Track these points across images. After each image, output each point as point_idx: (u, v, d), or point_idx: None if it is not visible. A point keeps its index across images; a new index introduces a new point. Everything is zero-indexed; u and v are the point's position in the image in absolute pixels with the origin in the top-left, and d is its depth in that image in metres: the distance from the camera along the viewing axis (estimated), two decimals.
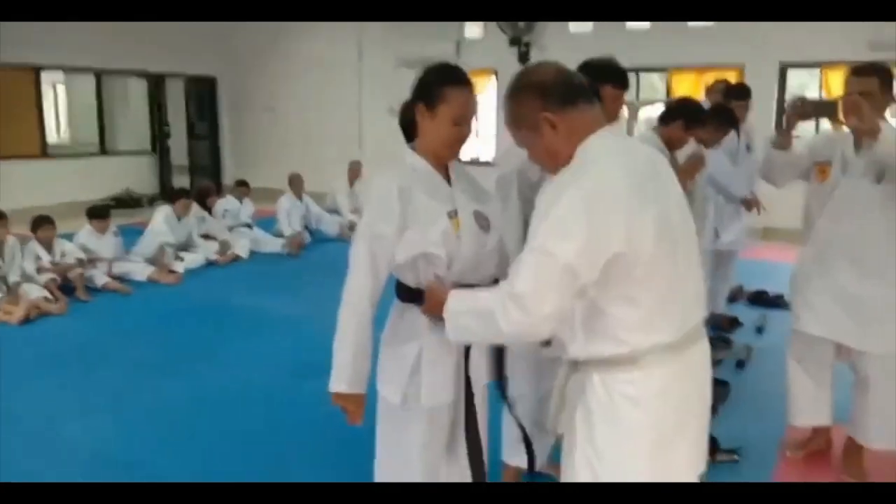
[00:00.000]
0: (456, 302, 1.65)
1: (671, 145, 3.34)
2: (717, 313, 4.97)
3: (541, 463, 2.60)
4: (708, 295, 4.83)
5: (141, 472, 3.06)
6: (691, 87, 8.57)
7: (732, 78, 7.53)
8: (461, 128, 1.83)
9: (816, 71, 8.26)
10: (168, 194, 10.28)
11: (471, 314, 1.61)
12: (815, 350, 3.01)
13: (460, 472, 1.98)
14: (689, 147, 3.55)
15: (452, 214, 1.83)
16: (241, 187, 8.34)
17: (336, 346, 1.84)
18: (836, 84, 8.00)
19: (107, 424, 3.55)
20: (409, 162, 1.88)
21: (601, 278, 1.45)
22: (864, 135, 2.62)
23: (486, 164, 10.24)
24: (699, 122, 3.44)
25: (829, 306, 2.86)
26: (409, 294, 1.87)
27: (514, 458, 2.60)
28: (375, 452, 2.01)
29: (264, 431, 3.47)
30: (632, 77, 8.51)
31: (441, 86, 1.81)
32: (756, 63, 8.17)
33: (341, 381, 1.83)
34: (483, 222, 1.88)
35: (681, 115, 3.33)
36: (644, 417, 1.52)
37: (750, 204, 4.68)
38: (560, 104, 1.53)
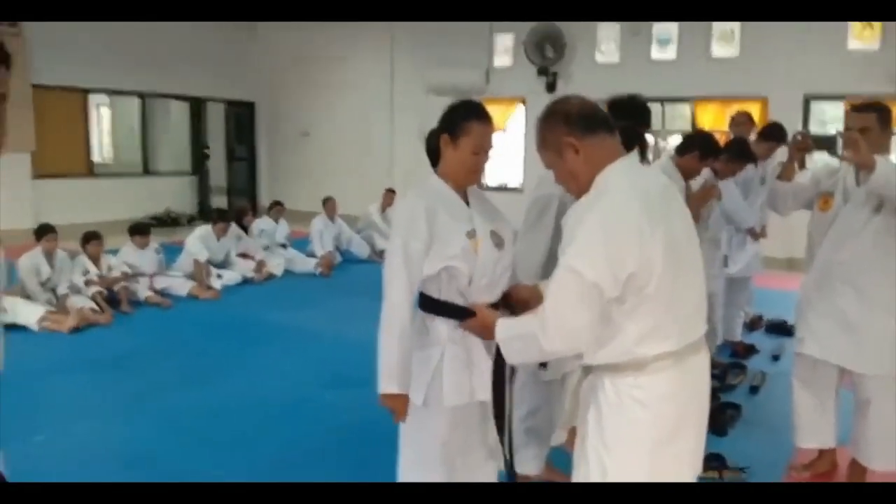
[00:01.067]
0: (502, 330, 1.86)
1: (686, 174, 3.55)
2: (734, 341, 5.10)
3: (537, 468, 2.78)
4: (723, 322, 4.97)
5: (163, 471, 3.27)
6: (715, 117, 8.73)
7: (756, 109, 7.73)
8: (479, 157, 2.09)
9: (840, 103, 8.35)
10: (206, 214, 10.69)
11: (518, 339, 1.81)
12: (817, 373, 3.14)
13: (474, 463, 2.19)
14: (702, 176, 3.75)
15: (472, 234, 2.06)
16: (277, 207, 8.67)
17: (382, 351, 2.01)
18: None
19: (136, 425, 3.81)
20: (432, 184, 2.13)
21: (620, 295, 1.65)
22: (861, 168, 2.80)
23: (514, 189, 10.47)
24: (713, 154, 3.65)
25: (830, 330, 3.00)
26: (432, 306, 2.08)
27: (521, 465, 2.75)
28: (399, 449, 2.21)
29: (292, 436, 3.68)
30: (657, 107, 8.78)
31: (465, 120, 2.06)
32: (780, 95, 8.31)
33: (391, 382, 1.99)
34: (498, 241, 2.11)
35: (696, 147, 3.54)
36: (649, 417, 1.71)
37: (756, 234, 4.83)
38: (582, 131, 1.73)
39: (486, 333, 1.92)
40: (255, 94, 12.79)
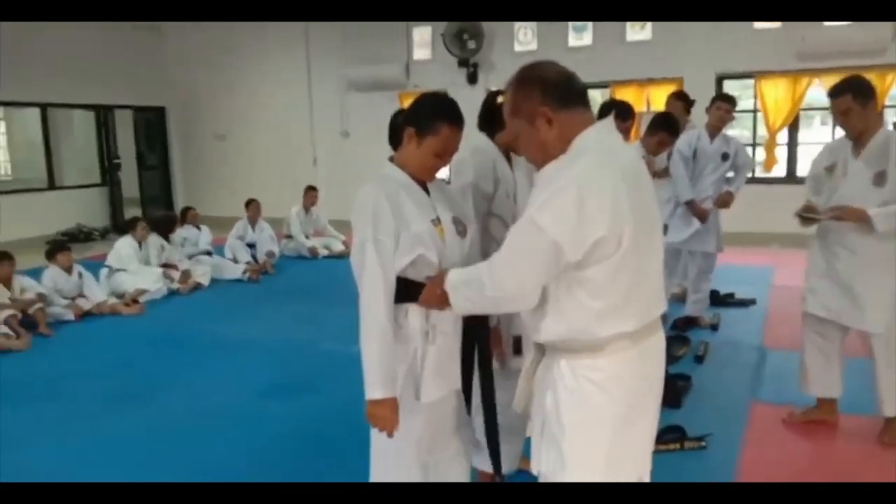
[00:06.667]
0: (454, 275, 1.79)
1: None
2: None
3: (510, 466, 2.70)
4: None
5: None
6: (633, 100, 8.90)
7: (672, 90, 7.91)
8: (441, 160, 1.98)
9: (750, 81, 8.69)
10: (120, 227, 10.14)
11: (465, 284, 1.75)
12: (822, 328, 3.38)
13: (446, 460, 2.11)
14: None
15: (436, 222, 1.97)
16: (190, 212, 8.29)
17: (364, 357, 1.88)
18: (768, 92, 8.46)
19: (65, 453, 3.51)
20: (389, 173, 2.00)
21: (582, 260, 1.56)
22: (859, 138, 3.07)
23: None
24: (632, 117, 4.04)
25: (830, 290, 3.27)
26: (404, 293, 1.94)
27: (482, 463, 2.66)
28: (370, 450, 2.09)
29: (234, 451, 3.45)
30: None
31: (436, 120, 1.92)
32: (694, 75, 8.57)
33: (375, 386, 1.86)
34: (461, 228, 2.04)
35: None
36: (607, 399, 1.65)
37: (697, 211, 4.94)
38: (558, 103, 1.63)
39: (437, 299, 1.84)
40: (164, 99, 12.23)
